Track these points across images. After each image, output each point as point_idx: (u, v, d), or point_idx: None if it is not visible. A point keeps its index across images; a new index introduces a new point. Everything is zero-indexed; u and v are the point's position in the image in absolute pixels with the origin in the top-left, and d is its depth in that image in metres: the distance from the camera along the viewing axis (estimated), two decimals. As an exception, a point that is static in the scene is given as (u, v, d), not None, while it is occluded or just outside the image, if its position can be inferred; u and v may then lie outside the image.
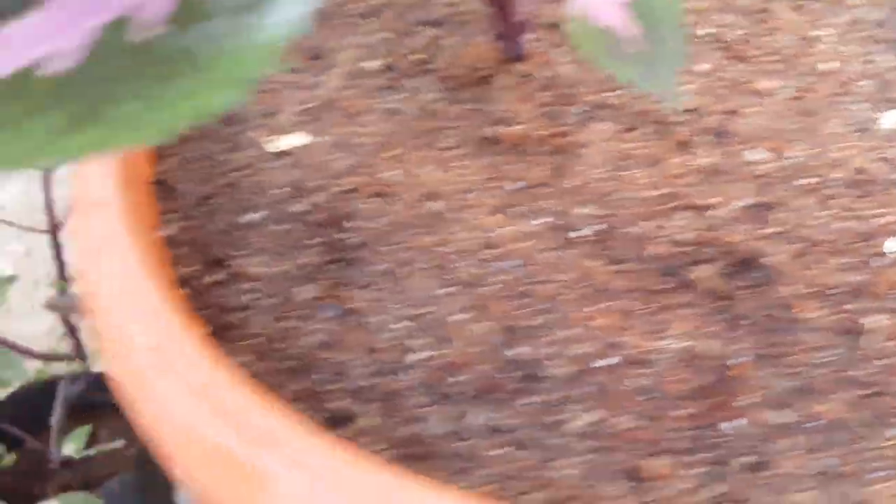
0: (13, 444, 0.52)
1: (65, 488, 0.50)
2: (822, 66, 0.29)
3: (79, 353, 0.50)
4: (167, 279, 0.25)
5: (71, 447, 0.51)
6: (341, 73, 0.30)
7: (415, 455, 0.21)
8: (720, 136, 0.27)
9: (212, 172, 0.28)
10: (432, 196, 0.26)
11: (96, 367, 0.52)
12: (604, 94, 0.28)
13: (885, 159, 0.26)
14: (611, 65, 0.22)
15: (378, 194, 0.26)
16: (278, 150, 0.28)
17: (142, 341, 0.22)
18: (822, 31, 0.31)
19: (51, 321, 0.72)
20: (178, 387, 0.20)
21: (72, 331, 0.49)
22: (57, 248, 0.45)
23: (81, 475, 0.52)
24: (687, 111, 0.27)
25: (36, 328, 0.82)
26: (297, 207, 0.26)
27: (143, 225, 0.26)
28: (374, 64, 0.31)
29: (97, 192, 0.25)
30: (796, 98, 0.28)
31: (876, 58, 0.30)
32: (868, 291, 0.23)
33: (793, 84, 0.29)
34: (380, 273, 0.24)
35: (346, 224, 0.25)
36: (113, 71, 0.14)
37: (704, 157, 0.26)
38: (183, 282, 0.25)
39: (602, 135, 0.27)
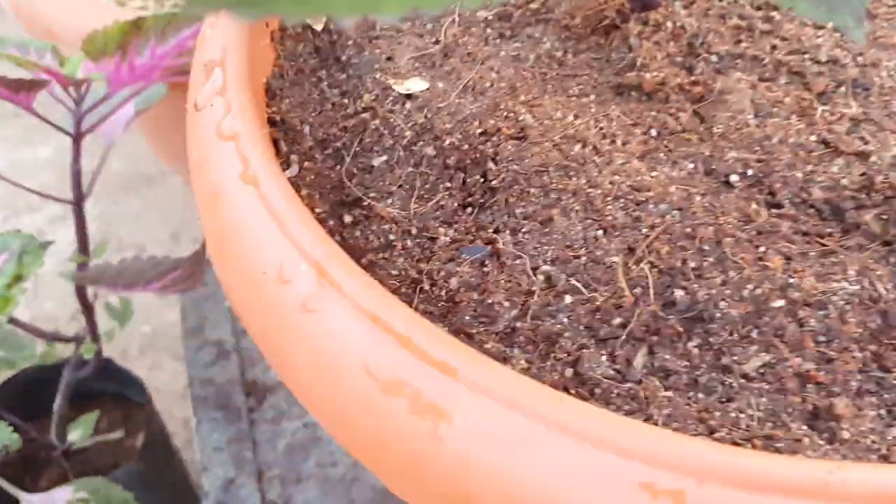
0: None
1: (61, 480, 0.47)
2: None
3: (93, 334, 0.47)
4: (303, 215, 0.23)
5: (76, 434, 0.48)
6: (456, 21, 0.30)
7: (579, 397, 0.20)
8: (861, 87, 0.26)
9: (332, 115, 0.27)
10: (574, 140, 0.25)
11: (105, 352, 0.49)
12: (737, 45, 0.27)
13: None
14: (791, 2, 0.21)
15: (516, 137, 0.25)
16: (404, 92, 0.27)
17: (296, 274, 0.21)
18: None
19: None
20: (346, 318, 0.19)
21: (87, 309, 0.46)
22: (80, 220, 0.42)
23: (80, 465, 0.49)
24: (825, 62, 0.27)
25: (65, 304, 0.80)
26: (429, 150, 0.25)
27: (271, 163, 0.25)
28: (489, 12, 0.30)
29: (229, 125, 0.24)
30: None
31: None
32: None
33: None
34: (525, 215, 0.24)
35: (485, 167, 0.25)
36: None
37: (851, 107, 0.25)
38: (319, 222, 0.24)
39: (742, 83, 0.26)
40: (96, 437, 0.50)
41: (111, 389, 0.55)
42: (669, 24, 0.28)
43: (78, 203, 0.42)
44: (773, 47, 0.27)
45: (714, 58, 0.27)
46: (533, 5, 0.30)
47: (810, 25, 0.28)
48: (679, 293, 0.22)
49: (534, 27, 0.29)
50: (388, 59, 0.29)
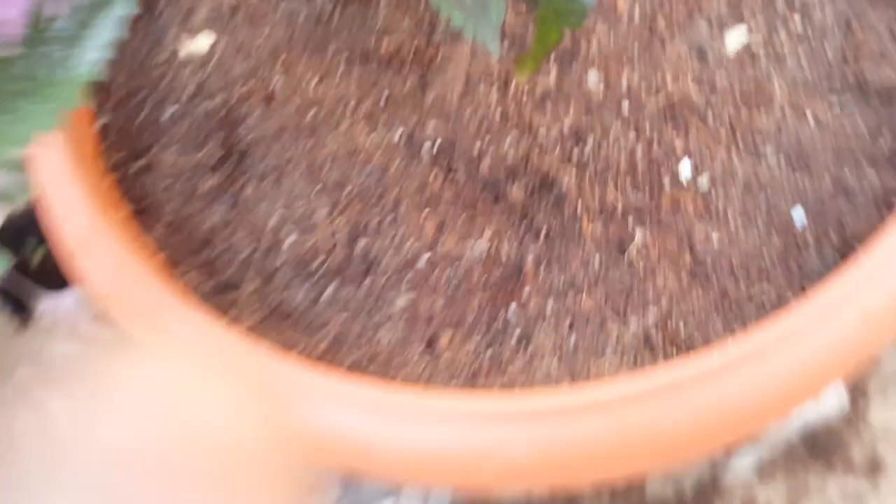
0: None
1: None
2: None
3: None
4: (98, 168, 0.31)
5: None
6: (251, -27, 0.34)
7: (280, 315, 0.28)
8: (569, 58, 0.31)
9: (138, 69, 0.33)
10: (312, 104, 0.31)
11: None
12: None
13: (708, 84, 0.30)
14: (448, 9, 0.26)
15: (266, 99, 0.31)
16: (189, 52, 0.32)
17: (72, 224, 0.28)
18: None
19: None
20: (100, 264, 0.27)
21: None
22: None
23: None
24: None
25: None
26: (205, 106, 0.32)
27: (78, 121, 0.31)
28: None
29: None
30: (649, 18, 0.32)
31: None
32: (648, 211, 0.28)
33: (647, 4, 0.32)
34: (266, 171, 0.30)
35: (241, 126, 0.31)
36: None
37: (549, 79, 0.30)
38: (113, 168, 0.31)
39: (466, 53, 0.31)
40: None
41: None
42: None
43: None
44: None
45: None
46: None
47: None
48: (363, 244, 0.29)
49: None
50: (189, 11, 0.34)
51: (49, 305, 0.51)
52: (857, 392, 0.47)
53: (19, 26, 0.19)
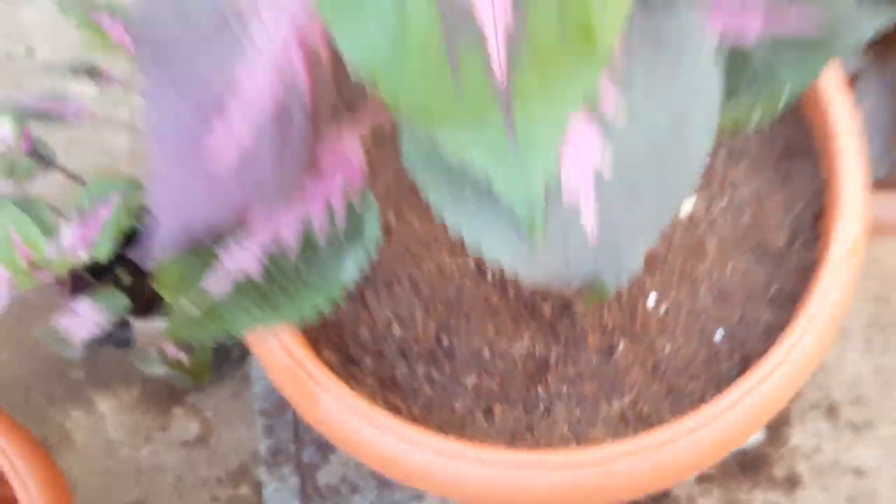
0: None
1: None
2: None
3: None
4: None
5: None
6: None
7: (388, 384, 0.43)
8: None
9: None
10: (415, 237, 0.45)
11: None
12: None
13: (668, 240, 0.46)
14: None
15: (385, 231, 0.45)
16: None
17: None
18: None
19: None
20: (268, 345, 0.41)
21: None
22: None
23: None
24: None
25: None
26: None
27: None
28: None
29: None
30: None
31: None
32: (628, 328, 0.44)
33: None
34: (383, 282, 0.44)
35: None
36: (277, 274, 0.32)
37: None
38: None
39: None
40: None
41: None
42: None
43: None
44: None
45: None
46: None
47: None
48: (444, 337, 0.44)
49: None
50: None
51: (142, 330, 0.64)
52: (781, 420, 0.66)
53: (293, 236, 0.33)
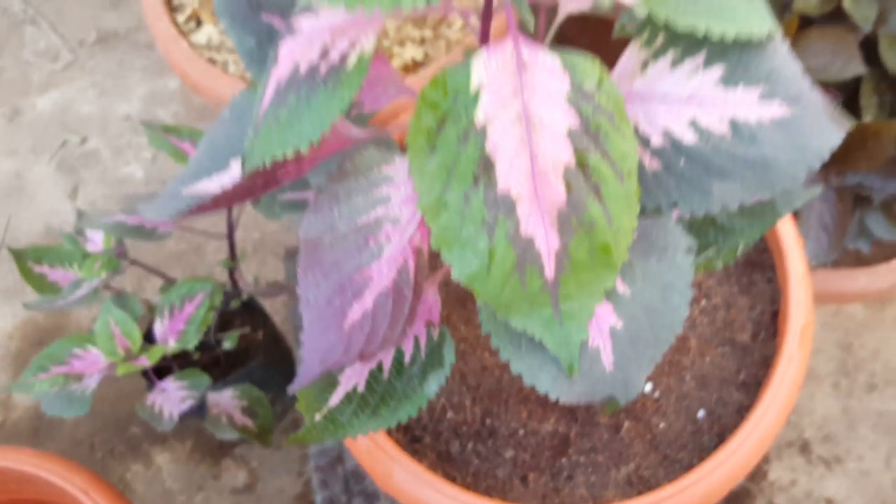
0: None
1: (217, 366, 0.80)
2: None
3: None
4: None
5: (229, 343, 0.79)
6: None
7: (443, 458, 0.55)
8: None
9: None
10: (461, 340, 0.58)
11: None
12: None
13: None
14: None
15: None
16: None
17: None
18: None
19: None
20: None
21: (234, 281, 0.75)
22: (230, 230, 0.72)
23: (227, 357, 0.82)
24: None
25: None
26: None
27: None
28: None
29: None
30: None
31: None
32: (630, 410, 0.57)
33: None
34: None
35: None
36: (378, 389, 0.44)
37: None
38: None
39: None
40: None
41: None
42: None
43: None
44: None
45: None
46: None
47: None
48: (487, 420, 0.56)
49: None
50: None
51: (213, 400, 0.76)
52: (761, 458, 0.78)
53: (391, 364, 0.45)
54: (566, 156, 0.34)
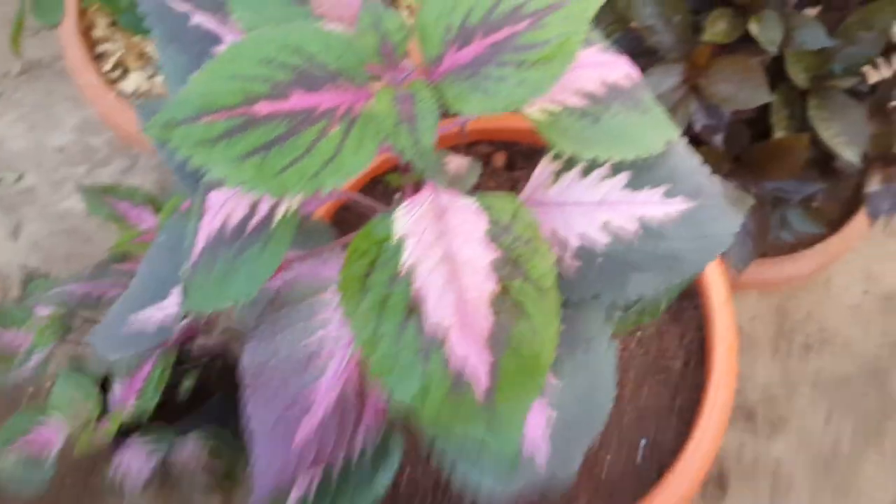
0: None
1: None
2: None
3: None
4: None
5: (187, 384, 0.81)
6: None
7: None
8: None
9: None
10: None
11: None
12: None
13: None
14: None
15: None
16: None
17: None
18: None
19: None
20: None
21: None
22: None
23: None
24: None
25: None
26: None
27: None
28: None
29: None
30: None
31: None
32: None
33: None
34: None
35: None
36: (329, 492, 0.47)
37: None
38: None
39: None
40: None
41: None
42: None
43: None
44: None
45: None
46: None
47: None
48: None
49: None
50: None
51: (177, 454, 0.78)
52: (722, 478, 0.84)
53: (340, 466, 0.48)
54: (490, 286, 0.36)
